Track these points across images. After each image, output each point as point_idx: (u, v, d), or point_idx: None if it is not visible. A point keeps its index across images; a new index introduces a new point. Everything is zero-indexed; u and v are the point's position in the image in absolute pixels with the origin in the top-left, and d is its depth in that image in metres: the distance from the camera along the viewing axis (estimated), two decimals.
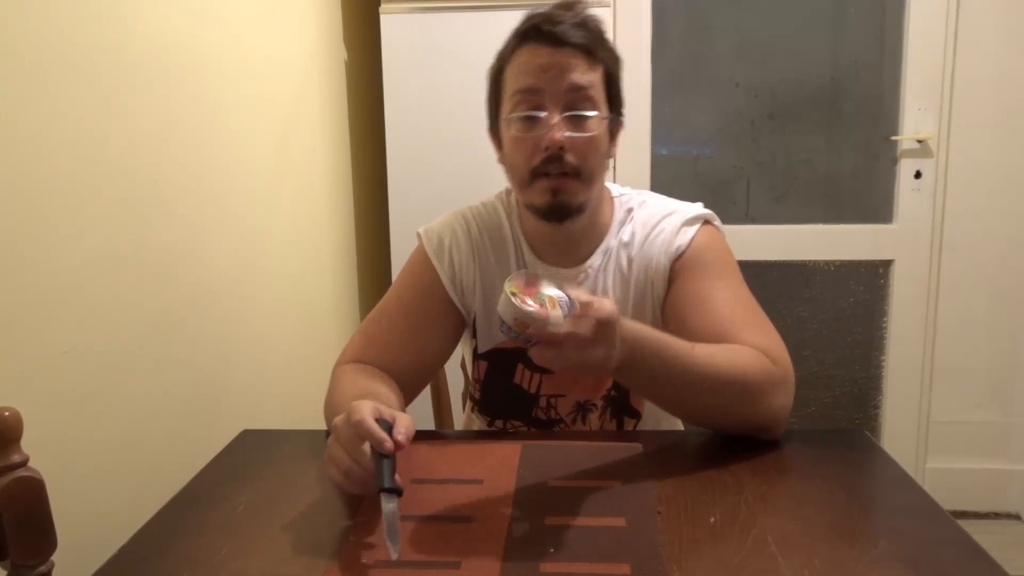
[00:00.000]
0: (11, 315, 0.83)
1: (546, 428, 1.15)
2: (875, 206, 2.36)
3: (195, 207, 1.22)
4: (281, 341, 1.57)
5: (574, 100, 1.01)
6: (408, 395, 1.11)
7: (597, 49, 1.02)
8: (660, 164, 2.38)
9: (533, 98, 1.00)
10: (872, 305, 2.40)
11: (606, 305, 0.81)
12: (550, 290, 0.84)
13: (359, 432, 0.79)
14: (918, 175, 2.30)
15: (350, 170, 2.11)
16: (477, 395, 1.20)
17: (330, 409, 1.02)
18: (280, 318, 1.57)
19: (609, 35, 1.07)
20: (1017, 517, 2.38)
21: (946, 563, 0.71)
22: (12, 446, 0.66)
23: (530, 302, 0.79)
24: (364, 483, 0.80)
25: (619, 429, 1.14)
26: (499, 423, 1.19)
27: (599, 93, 1.03)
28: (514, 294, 0.79)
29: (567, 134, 1.00)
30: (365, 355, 1.10)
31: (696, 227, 1.10)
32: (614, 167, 2.26)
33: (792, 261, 2.39)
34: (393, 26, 2.01)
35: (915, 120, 2.28)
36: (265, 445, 1.06)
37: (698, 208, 1.13)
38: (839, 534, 0.76)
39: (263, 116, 1.50)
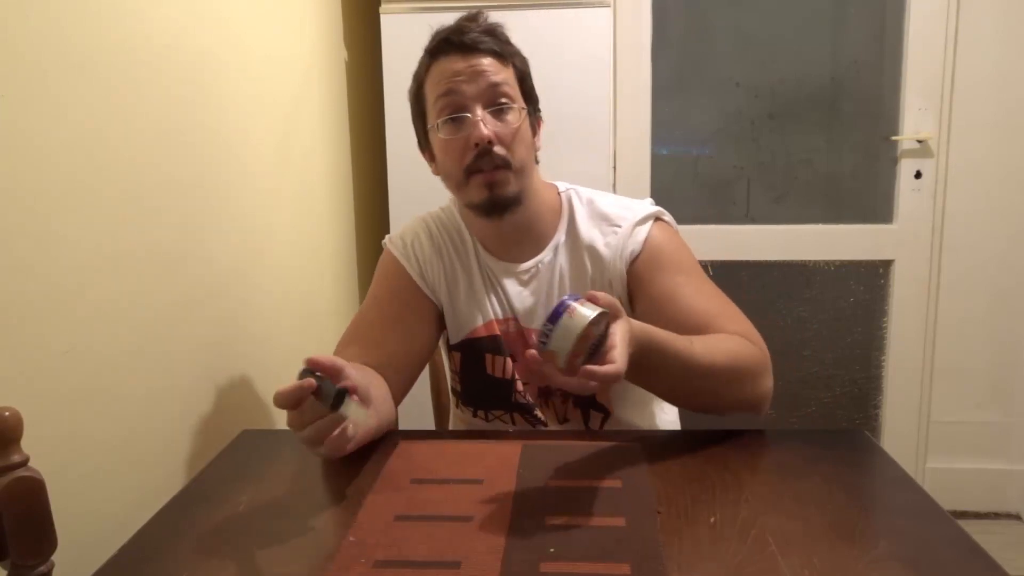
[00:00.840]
0: (11, 315, 0.82)
1: (528, 414, 1.18)
2: (875, 206, 2.36)
3: (195, 207, 1.22)
4: (281, 341, 1.57)
5: (493, 96, 1.07)
6: (403, 385, 1.14)
7: (505, 52, 1.10)
8: (660, 164, 2.38)
9: (455, 100, 1.07)
10: (872, 305, 2.40)
11: (616, 368, 0.80)
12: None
13: (278, 406, 0.82)
14: (918, 175, 2.30)
15: (350, 170, 2.10)
16: (458, 387, 1.23)
17: None
18: (280, 318, 1.57)
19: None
20: (1017, 517, 2.38)
21: (946, 563, 0.71)
22: (12, 446, 0.66)
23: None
24: (323, 428, 0.82)
25: (585, 423, 1.18)
26: (482, 413, 1.21)
27: (514, 89, 1.10)
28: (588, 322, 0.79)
29: (493, 129, 1.05)
30: (351, 355, 1.11)
31: (647, 226, 1.13)
32: (614, 167, 2.27)
33: (792, 261, 2.39)
34: (393, 26, 2.01)
35: (915, 120, 2.28)
36: (265, 445, 1.06)
37: (647, 206, 1.16)
38: (839, 534, 0.76)
39: (263, 116, 1.50)
